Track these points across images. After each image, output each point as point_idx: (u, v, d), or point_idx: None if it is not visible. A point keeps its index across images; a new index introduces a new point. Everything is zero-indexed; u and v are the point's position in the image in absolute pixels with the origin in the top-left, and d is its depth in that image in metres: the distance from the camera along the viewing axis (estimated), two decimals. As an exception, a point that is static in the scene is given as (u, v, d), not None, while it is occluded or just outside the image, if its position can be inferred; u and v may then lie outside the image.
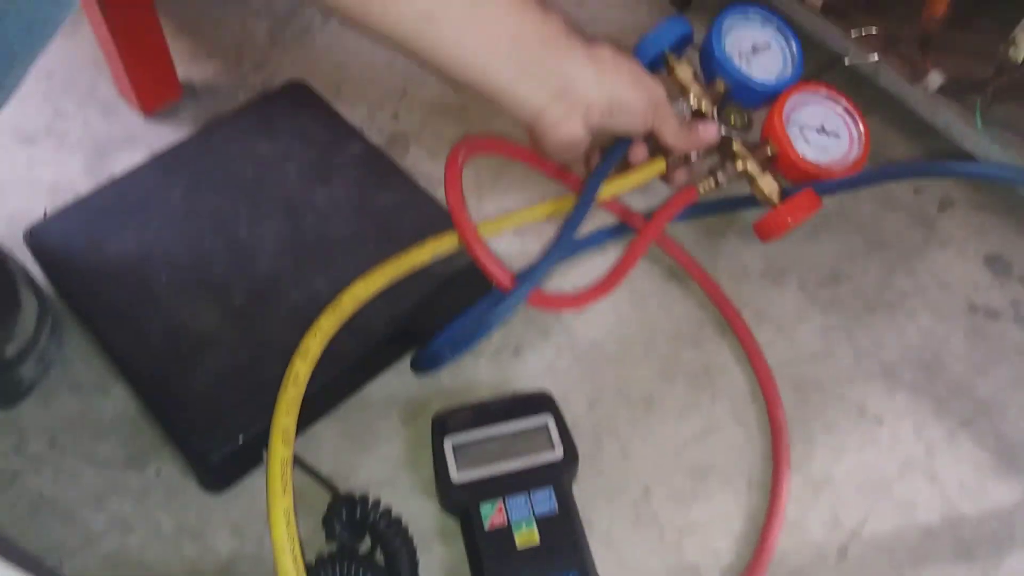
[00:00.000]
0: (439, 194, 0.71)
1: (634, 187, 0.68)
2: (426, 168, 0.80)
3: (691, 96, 0.68)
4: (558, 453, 0.60)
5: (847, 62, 0.76)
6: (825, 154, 0.68)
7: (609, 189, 0.67)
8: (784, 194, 0.67)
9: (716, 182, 0.67)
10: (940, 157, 0.80)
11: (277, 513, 0.51)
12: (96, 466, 0.63)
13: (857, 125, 0.70)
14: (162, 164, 0.73)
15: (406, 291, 0.65)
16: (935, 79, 0.72)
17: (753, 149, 0.68)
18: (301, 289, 0.65)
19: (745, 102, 0.69)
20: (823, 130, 0.69)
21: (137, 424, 0.65)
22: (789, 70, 0.70)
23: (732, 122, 0.67)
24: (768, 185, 0.67)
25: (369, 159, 0.73)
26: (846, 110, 0.70)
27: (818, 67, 0.76)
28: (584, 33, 0.62)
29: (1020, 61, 0.68)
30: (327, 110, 0.77)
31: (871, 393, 0.67)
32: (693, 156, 0.67)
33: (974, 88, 0.71)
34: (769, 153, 0.67)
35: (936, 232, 0.76)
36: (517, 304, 0.61)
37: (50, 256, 0.68)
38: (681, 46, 0.70)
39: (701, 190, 0.67)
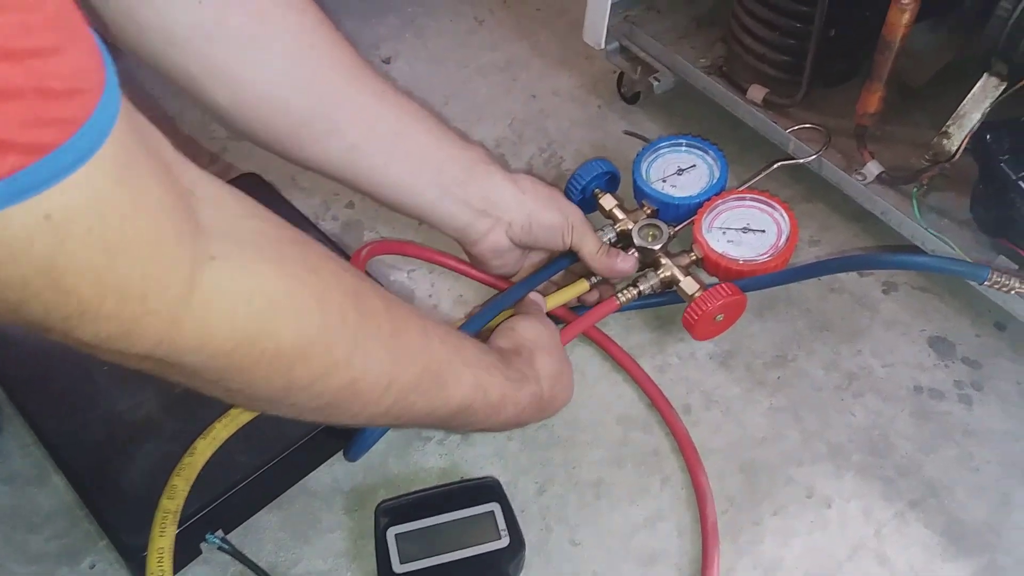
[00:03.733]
0: (392, 278, 0.72)
1: (559, 305, 0.72)
2: (379, 255, 0.80)
3: (618, 223, 0.75)
4: (504, 541, 0.59)
5: (791, 150, 0.79)
6: (752, 250, 0.72)
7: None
8: None
9: (639, 292, 0.71)
10: (879, 243, 0.82)
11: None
12: (28, 560, 0.61)
13: (784, 218, 0.73)
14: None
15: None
16: (872, 169, 0.75)
17: (677, 255, 0.73)
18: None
19: (673, 218, 0.75)
20: (748, 228, 0.74)
21: (74, 516, 0.63)
22: (712, 185, 0.77)
23: (649, 238, 0.73)
24: (689, 286, 0.70)
25: (319, 247, 0.74)
26: (772, 207, 0.74)
27: (763, 160, 0.79)
28: (505, 164, 0.70)
29: (953, 152, 0.70)
30: (279, 201, 0.78)
31: (819, 475, 0.67)
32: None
33: (910, 178, 0.73)
34: (695, 257, 0.73)
35: (880, 314, 0.77)
36: None
37: (-10, 346, 0.67)
38: (610, 182, 0.78)
39: (623, 299, 0.71)
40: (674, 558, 0.62)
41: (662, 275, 0.71)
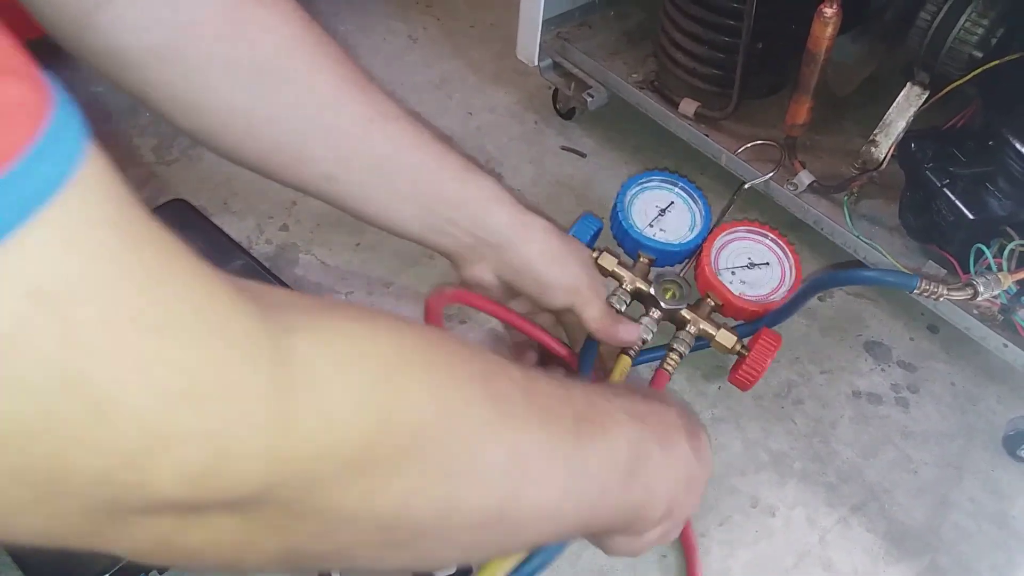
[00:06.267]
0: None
1: None
2: (316, 277, 0.79)
3: (625, 282, 0.65)
4: (450, 568, 0.58)
5: (724, 162, 0.80)
6: (762, 286, 0.67)
7: None
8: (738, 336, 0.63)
9: (681, 355, 0.63)
10: (814, 251, 0.83)
11: None
12: (-53, 614, 0.58)
13: (781, 247, 0.68)
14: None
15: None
16: (803, 179, 0.76)
17: (698, 308, 0.64)
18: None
19: (671, 263, 0.68)
20: (752, 264, 0.68)
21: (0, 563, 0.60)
22: (700, 221, 0.70)
23: (670, 296, 0.64)
24: (727, 339, 0.63)
25: (251, 273, 0.72)
26: (766, 236, 0.69)
27: (698, 171, 0.79)
28: (525, 201, 0.60)
29: (881, 160, 0.72)
30: (208, 226, 0.76)
31: (763, 484, 0.67)
32: (647, 336, 0.63)
33: (841, 186, 0.75)
34: (713, 305, 0.65)
35: (818, 320, 0.78)
36: None
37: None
38: (595, 238, 0.69)
39: (670, 369, 0.62)
40: (621, 574, 0.62)
41: (693, 331, 0.63)
